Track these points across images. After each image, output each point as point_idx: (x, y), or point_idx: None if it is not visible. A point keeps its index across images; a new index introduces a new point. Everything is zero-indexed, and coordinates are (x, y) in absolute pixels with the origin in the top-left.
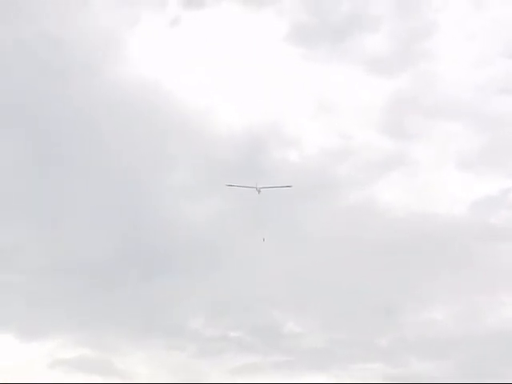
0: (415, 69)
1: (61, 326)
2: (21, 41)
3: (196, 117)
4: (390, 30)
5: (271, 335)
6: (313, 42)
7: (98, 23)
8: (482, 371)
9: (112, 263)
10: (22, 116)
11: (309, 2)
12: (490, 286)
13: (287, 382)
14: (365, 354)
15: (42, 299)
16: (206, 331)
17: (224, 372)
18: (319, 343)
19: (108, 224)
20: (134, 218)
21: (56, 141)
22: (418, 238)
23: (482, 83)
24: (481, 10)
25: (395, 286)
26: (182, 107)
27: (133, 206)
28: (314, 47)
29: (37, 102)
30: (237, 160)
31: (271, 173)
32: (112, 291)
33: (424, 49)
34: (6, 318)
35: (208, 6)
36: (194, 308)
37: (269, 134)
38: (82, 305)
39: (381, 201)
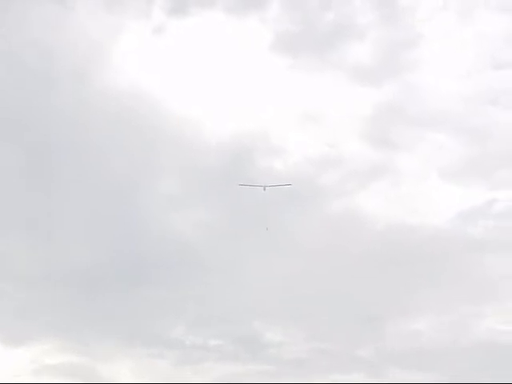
0: (401, 79)
1: (46, 332)
2: (6, 49)
3: (182, 125)
4: (376, 39)
5: (252, 344)
6: (298, 51)
7: (83, 31)
8: (466, 382)
9: (97, 272)
10: (10, 124)
11: (294, 11)
12: (474, 298)
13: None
14: (347, 364)
15: (27, 306)
16: (187, 340)
17: (205, 380)
18: (301, 353)
19: (94, 233)
20: (120, 227)
21: (45, 149)
22: (402, 249)
23: (468, 94)
24: (467, 21)
25: (379, 296)
26: (167, 116)
27: (120, 215)
28: (300, 56)
29: (24, 111)
30: (223, 169)
31: (257, 181)
32: (97, 299)
33: (410, 59)
34: None
35: (192, 14)
36: (175, 317)
37: (254, 143)
38: (67, 312)
39: (365, 211)
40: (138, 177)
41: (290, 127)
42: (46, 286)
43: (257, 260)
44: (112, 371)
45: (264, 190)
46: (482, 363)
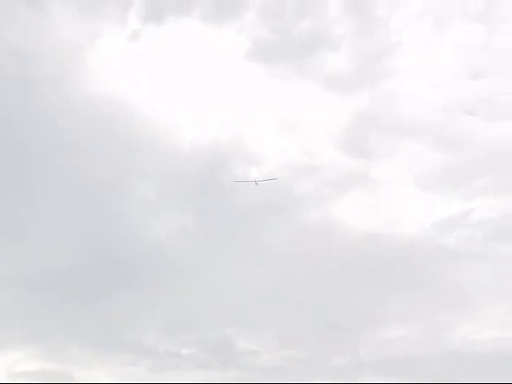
0: (377, 88)
1: (20, 339)
2: None
3: (158, 132)
4: (352, 48)
5: (226, 352)
6: (274, 60)
7: (60, 36)
8: None
9: (72, 277)
10: None
11: (270, 19)
12: (448, 307)
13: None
14: (320, 372)
15: (2, 311)
16: (161, 347)
17: None
18: (274, 361)
19: (69, 237)
20: (96, 232)
21: (20, 152)
22: (378, 258)
23: (445, 103)
24: (444, 30)
25: (353, 305)
26: (144, 122)
27: (95, 220)
28: (276, 64)
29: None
30: (199, 176)
31: (233, 189)
32: (72, 304)
33: (386, 68)
34: None
35: (168, 21)
36: (150, 323)
37: (231, 151)
38: (41, 319)
39: (341, 219)
40: (115, 182)
41: (266, 135)
42: (20, 292)
43: (231, 267)
44: (87, 378)
45: (256, 184)
46: (455, 372)
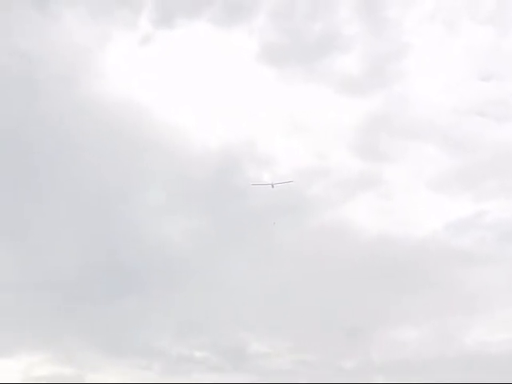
0: (388, 90)
1: (34, 343)
2: None
3: (169, 134)
4: (363, 50)
5: (238, 356)
6: (285, 62)
7: (71, 40)
8: None
9: (83, 281)
10: None
11: (281, 22)
12: (461, 309)
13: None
14: (332, 375)
15: (15, 316)
16: (173, 351)
17: None
18: (286, 364)
19: (79, 241)
20: (106, 235)
21: (28, 155)
22: (389, 260)
23: (456, 105)
24: (455, 32)
25: (364, 307)
26: (155, 125)
27: (105, 223)
28: (287, 67)
29: (10, 118)
30: (211, 179)
31: (245, 191)
32: (83, 307)
33: (397, 70)
34: None
35: (179, 25)
36: (162, 327)
37: (242, 153)
38: (53, 323)
39: (353, 221)
40: (125, 185)
41: (277, 138)
42: (32, 297)
43: (243, 270)
44: (100, 381)
45: (272, 187)
46: (469, 374)
